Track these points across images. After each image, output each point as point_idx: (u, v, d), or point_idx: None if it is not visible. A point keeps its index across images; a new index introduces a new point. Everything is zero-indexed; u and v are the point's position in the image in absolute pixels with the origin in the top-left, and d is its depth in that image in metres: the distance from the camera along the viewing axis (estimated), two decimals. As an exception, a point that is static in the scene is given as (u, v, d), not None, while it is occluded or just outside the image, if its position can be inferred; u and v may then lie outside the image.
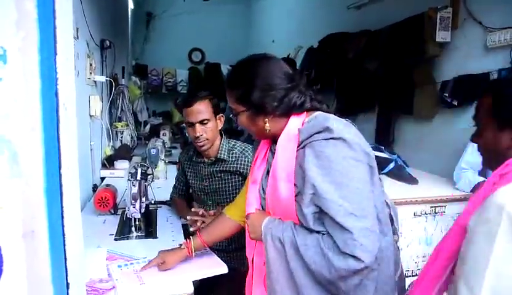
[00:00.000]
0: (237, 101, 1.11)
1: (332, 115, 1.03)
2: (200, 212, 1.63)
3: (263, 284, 1.10)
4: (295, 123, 1.06)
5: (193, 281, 1.35)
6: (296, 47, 4.61)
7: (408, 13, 2.81)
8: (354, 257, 0.90)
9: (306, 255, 0.97)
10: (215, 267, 1.43)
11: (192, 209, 1.68)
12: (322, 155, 0.95)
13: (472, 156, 1.95)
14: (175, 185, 2.06)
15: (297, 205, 1.01)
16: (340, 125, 0.98)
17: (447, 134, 2.65)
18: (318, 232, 0.98)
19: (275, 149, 1.08)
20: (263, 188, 1.15)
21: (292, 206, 1.02)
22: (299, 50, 4.56)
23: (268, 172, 1.13)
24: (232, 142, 1.81)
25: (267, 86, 1.05)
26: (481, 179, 1.91)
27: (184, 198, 2.04)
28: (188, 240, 1.42)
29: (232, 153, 1.77)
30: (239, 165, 1.75)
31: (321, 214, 0.97)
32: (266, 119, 1.08)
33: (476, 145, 1.89)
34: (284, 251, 1.01)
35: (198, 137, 1.69)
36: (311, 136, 0.99)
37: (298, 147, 1.01)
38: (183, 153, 2.01)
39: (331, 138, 0.95)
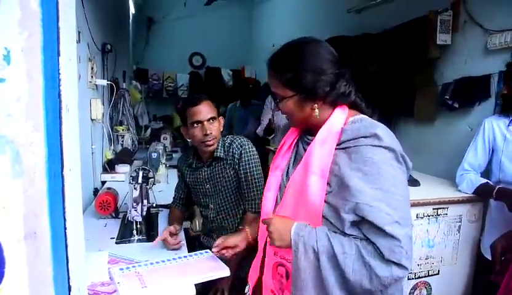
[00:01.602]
0: (285, 86, 1.04)
1: (378, 123, 1.01)
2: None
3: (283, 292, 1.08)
4: (338, 118, 1.02)
5: (195, 285, 1.34)
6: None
7: (408, 16, 2.81)
8: (399, 265, 0.89)
9: (344, 264, 0.93)
10: (217, 269, 1.43)
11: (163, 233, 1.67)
12: (369, 161, 0.93)
13: (474, 157, 1.95)
14: (174, 195, 2.02)
15: (327, 205, 0.98)
16: (387, 135, 0.97)
17: (448, 136, 2.65)
18: (354, 237, 0.96)
19: (308, 140, 1.07)
20: (287, 175, 1.12)
21: (319, 203, 0.98)
22: (299, 53, 4.56)
23: (294, 161, 1.12)
24: (227, 138, 1.81)
25: (319, 69, 1.00)
26: (483, 180, 1.90)
27: (182, 207, 2.01)
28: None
29: (224, 148, 1.77)
30: (228, 156, 1.75)
31: (361, 221, 0.94)
32: (316, 105, 1.03)
33: (478, 146, 1.90)
34: (318, 260, 0.96)
35: (207, 135, 1.68)
36: (356, 139, 0.96)
37: (337, 145, 0.99)
38: (181, 161, 1.98)
39: (380, 146, 0.94)
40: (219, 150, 1.75)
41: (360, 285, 0.92)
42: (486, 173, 1.97)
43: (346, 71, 1.04)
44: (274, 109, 3.65)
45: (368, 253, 0.92)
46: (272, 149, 3.37)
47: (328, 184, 0.97)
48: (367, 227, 0.93)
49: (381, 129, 0.97)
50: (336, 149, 0.98)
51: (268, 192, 1.15)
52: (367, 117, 1.04)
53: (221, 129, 1.77)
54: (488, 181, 1.89)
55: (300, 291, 0.99)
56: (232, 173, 1.76)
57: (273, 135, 3.61)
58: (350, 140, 0.96)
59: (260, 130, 3.72)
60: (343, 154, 0.97)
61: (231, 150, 1.75)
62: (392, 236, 0.89)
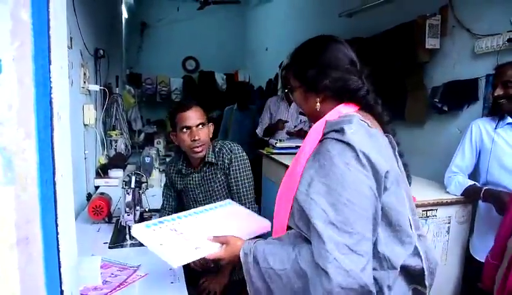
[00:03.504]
0: (294, 76, 1.09)
1: (359, 121, 0.96)
2: None
3: None
4: (333, 112, 1.00)
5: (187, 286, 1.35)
6: (289, 54, 4.64)
7: (398, 21, 2.86)
8: (325, 271, 0.81)
9: (288, 280, 0.91)
10: (259, 223, 1.34)
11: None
12: (327, 154, 0.89)
13: (462, 160, 1.98)
14: (163, 204, 2.01)
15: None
16: (355, 131, 0.91)
17: (438, 139, 2.69)
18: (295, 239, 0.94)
19: None
20: None
21: (295, 190, 0.96)
22: (292, 57, 4.59)
23: None
24: (216, 143, 1.83)
25: (325, 64, 1.02)
26: (471, 182, 1.93)
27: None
28: None
29: (215, 153, 1.79)
30: (219, 161, 1.77)
31: (304, 213, 0.90)
32: (318, 99, 1.04)
33: (465, 149, 1.94)
34: (268, 286, 0.95)
35: (196, 140, 1.69)
36: (329, 132, 0.94)
37: (321, 137, 0.96)
38: (169, 168, 1.98)
39: (341, 141, 0.89)
40: (210, 155, 1.77)
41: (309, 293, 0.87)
42: (474, 174, 2.01)
43: (360, 72, 1.04)
44: (274, 109, 3.65)
45: (302, 260, 0.88)
46: (265, 152, 3.38)
47: None
48: (311, 224, 0.87)
49: (351, 125, 0.92)
50: (319, 141, 0.96)
51: None
52: (357, 114, 0.98)
53: (211, 136, 1.79)
54: (476, 183, 1.92)
55: None
56: (223, 177, 1.77)
57: (271, 137, 3.60)
58: (326, 133, 0.94)
59: (259, 130, 3.73)
60: (317, 146, 0.96)
61: (221, 155, 1.76)
62: (320, 237, 0.83)
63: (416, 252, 0.94)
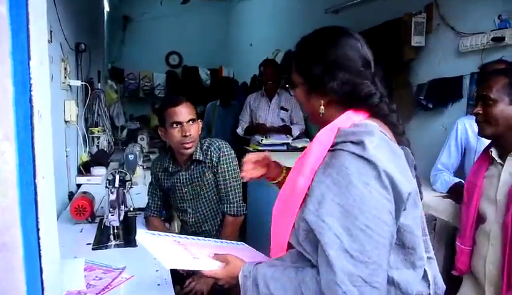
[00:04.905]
0: (297, 71, 0.96)
1: (379, 132, 0.84)
2: None
3: None
4: (344, 119, 0.89)
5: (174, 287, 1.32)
6: (274, 50, 4.63)
7: (384, 18, 2.87)
8: None
9: None
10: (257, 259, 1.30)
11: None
12: (343, 170, 0.78)
13: (447, 158, 2.01)
14: (148, 203, 1.96)
15: (300, 210, 0.86)
16: (378, 147, 0.80)
17: (423, 136, 2.72)
18: (301, 255, 0.86)
19: None
20: None
21: (296, 206, 0.87)
22: (277, 53, 4.59)
23: None
24: (204, 141, 1.80)
25: (334, 62, 0.89)
26: (457, 179, 1.96)
27: (160, 214, 1.98)
28: None
29: (203, 150, 1.76)
30: (207, 159, 1.74)
31: (311, 234, 0.81)
32: (322, 101, 0.92)
33: (451, 147, 1.96)
34: None
35: (187, 136, 1.66)
36: (344, 143, 0.82)
37: (331, 147, 0.85)
38: (155, 166, 1.93)
39: (361, 156, 0.78)
40: (198, 153, 1.74)
41: None
42: (459, 172, 2.04)
43: (373, 74, 0.93)
44: (254, 108, 3.63)
45: (306, 289, 0.81)
46: (251, 149, 3.36)
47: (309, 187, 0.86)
48: (319, 247, 0.79)
49: (373, 139, 0.81)
50: (328, 150, 0.85)
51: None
52: (374, 123, 0.87)
53: (200, 132, 1.76)
54: (462, 180, 1.94)
55: None
56: (211, 176, 1.75)
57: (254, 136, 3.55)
58: (339, 143, 0.83)
59: (240, 130, 3.70)
60: (328, 156, 0.84)
61: (209, 153, 1.74)
62: (330, 266, 0.75)
63: (424, 276, 0.88)
